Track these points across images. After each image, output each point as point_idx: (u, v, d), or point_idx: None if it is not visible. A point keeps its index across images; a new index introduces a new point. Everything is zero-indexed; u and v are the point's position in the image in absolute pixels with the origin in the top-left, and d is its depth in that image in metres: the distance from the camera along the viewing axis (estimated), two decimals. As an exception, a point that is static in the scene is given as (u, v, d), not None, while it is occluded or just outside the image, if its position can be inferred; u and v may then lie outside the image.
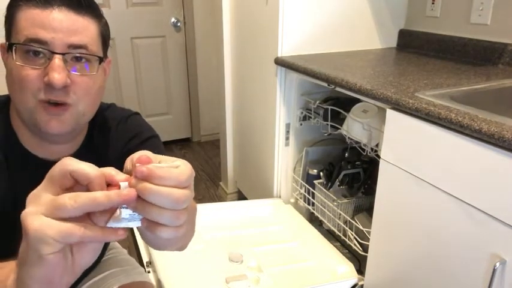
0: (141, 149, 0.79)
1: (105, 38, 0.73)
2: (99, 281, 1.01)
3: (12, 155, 0.72)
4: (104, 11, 2.77)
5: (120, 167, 0.63)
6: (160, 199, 0.39)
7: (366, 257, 1.32)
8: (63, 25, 0.64)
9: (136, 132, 0.84)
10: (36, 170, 0.69)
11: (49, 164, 0.68)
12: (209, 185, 2.59)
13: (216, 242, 1.47)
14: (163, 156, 0.45)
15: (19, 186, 0.71)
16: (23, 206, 0.53)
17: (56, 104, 0.66)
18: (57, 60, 0.64)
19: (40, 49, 0.64)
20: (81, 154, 0.77)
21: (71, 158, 0.43)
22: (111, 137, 0.83)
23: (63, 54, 0.64)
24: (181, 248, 0.64)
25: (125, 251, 1.14)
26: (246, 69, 1.93)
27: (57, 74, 0.63)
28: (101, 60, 0.70)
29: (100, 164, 0.73)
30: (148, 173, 0.39)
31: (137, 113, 0.89)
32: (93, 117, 0.79)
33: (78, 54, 0.66)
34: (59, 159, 0.70)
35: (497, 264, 0.86)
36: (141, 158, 0.43)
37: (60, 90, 0.65)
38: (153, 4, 2.83)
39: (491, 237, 0.88)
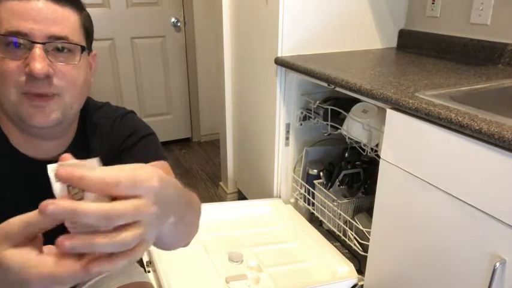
0: (137, 148, 0.79)
1: (87, 30, 0.71)
2: (99, 282, 1.00)
3: (1, 154, 0.70)
4: (104, 11, 2.77)
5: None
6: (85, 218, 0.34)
7: (366, 257, 1.32)
8: (43, 15, 0.63)
9: (133, 130, 0.82)
10: (25, 169, 0.72)
11: (39, 164, 0.69)
12: (209, 185, 2.58)
13: (216, 242, 1.47)
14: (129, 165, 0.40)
15: (7, 186, 0.70)
16: (11, 207, 0.52)
17: (41, 95, 0.64)
18: (38, 49, 0.62)
19: (21, 40, 0.62)
20: (71, 152, 0.73)
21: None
22: (105, 135, 0.80)
23: (43, 43, 0.63)
24: (186, 245, 0.65)
25: None
26: (246, 69, 1.93)
27: (38, 64, 0.61)
28: (83, 49, 0.68)
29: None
30: (67, 176, 0.35)
31: (132, 112, 0.87)
32: (85, 115, 0.78)
33: (59, 44, 0.64)
34: (48, 159, 0.69)
35: (497, 264, 0.86)
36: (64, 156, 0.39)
37: (43, 81, 0.63)
38: (153, 4, 2.83)
39: (491, 237, 0.88)
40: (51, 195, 0.68)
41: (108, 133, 0.81)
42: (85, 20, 0.70)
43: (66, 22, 0.65)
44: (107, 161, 0.65)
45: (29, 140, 0.71)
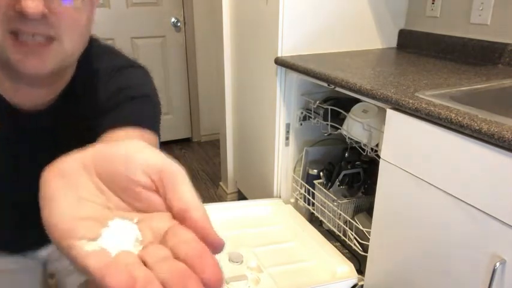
0: (130, 106, 0.65)
1: None
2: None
3: None
4: (104, 11, 2.77)
5: (99, 124, 0.61)
6: None
7: (366, 257, 1.32)
8: None
9: (130, 85, 0.68)
10: (5, 117, 0.62)
11: (22, 113, 0.62)
12: (209, 185, 2.58)
13: (216, 242, 1.47)
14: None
15: None
16: None
17: (35, 40, 0.53)
18: None
19: None
20: (58, 104, 0.65)
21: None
22: (98, 86, 0.67)
23: None
24: None
25: None
26: (246, 69, 1.93)
27: (31, 1, 0.50)
28: None
29: (78, 120, 0.66)
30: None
31: (141, 67, 0.73)
32: (83, 60, 0.66)
33: None
34: (31, 107, 0.62)
35: (497, 264, 0.86)
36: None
37: (38, 22, 0.52)
38: (153, 4, 2.84)
39: (491, 237, 0.88)
40: (31, 146, 0.64)
41: (101, 84, 0.68)
42: None
43: None
44: (92, 119, 0.61)
45: (12, 86, 0.61)
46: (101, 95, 0.67)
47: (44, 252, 0.91)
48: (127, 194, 0.31)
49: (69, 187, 0.29)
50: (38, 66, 0.55)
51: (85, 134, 0.56)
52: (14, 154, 0.66)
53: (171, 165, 0.32)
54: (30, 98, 0.62)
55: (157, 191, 0.31)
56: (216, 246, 0.29)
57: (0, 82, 0.60)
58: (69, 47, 0.57)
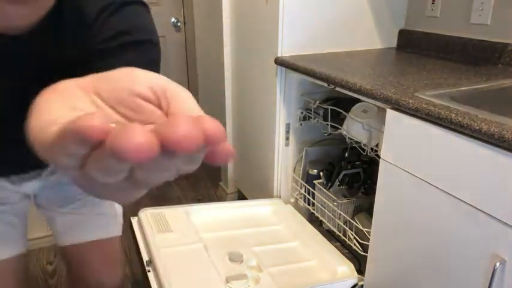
0: (133, 52, 0.57)
1: None
2: (73, 223, 0.97)
3: None
4: (104, 10, 2.69)
5: (95, 66, 0.52)
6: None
7: (366, 257, 1.32)
8: None
9: (124, 29, 0.58)
10: None
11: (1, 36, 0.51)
12: (209, 185, 2.58)
13: (216, 242, 1.47)
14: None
15: None
16: None
17: None
18: None
19: None
20: (43, 27, 0.55)
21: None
22: (89, 19, 0.57)
23: None
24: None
25: None
26: (246, 69, 1.93)
27: None
28: None
29: (60, 50, 0.57)
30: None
31: (143, 3, 0.62)
32: None
33: None
34: (10, 29, 0.51)
35: (497, 264, 0.86)
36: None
37: None
38: (153, 4, 2.84)
39: (491, 237, 0.88)
40: (10, 71, 0.57)
41: (93, 18, 0.58)
42: None
43: None
44: (75, 52, 0.54)
45: None
46: (96, 31, 0.58)
47: (27, 187, 0.89)
48: (125, 106, 0.27)
49: (62, 98, 0.27)
50: (18, 18, 0.48)
51: (70, 69, 0.45)
52: None
53: (177, 85, 0.29)
54: (7, 16, 0.50)
55: (159, 107, 0.28)
56: (227, 151, 0.25)
57: None
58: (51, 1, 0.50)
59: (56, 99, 0.27)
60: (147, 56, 0.60)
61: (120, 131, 0.20)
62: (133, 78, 0.28)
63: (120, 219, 1.05)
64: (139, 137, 0.20)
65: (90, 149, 0.22)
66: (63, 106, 0.26)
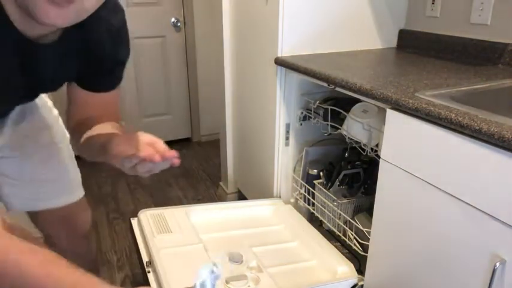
0: (119, 72, 0.91)
1: None
2: (31, 186, 1.09)
3: (2, 33, 0.66)
4: (104, 11, 2.66)
5: (98, 80, 0.90)
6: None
7: (366, 257, 1.32)
8: None
9: (122, 52, 0.88)
10: (20, 46, 0.69)
11: (33, 43, 0.70)
12: (209, 185, 2.58)
13: (215, 243, 1.47)
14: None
15: (2, 64, 0.69)
16: (2, 81, 0.66)
17: None
18: None
19: None
20: (65, 37, 0.75)
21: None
22: (99, 35, 0.81)
23: None
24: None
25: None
26: (246, 69, 1.93)
27: None
28: None
29: (83, 55, 0.83)
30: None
31: (123, 13, 0.85)
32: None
33: None
34: (40, 37, 0.71)
35: (497, 264, 0.86)
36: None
37: None
38: (153, 4, 2.84)
39: (491, 237, 0.88)
40: (40, 73, 0.78)
41: (102, 35, 0.81)
42: None
43: None
44: (91, 59, 0.83)
45: (26, 19, 0.66)
46: (105, 45, 0.83)
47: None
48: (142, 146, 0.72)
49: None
50: (58, 20, 0.62)
51: (81, 75, 0.86)
52: (24, 78, 0.76)
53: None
54: (38, 29, 0.68)
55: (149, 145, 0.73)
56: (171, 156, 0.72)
57: (13, 13, 0.64)
58: (88, 5, 0.64)
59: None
60: (121, 74, 0.93)
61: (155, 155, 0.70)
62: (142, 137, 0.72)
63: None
64: (158, 158, 0.70)
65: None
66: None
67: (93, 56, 0.82)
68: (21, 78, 0.74)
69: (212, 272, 0.67)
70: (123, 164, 0.70)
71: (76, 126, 0.91)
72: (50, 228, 1.19)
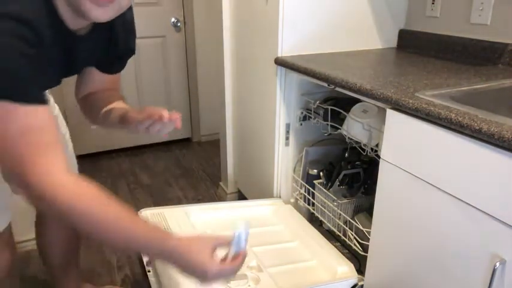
0: (127, 59, 1.12)
1: None
2: None
3: (50, 24, 0.78)
4: (104, 11, 2.66)
5: (114, 64, 1.11)
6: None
7: (366, 257, 1.32)
8: None
9: (133, 41, 1.08)
10: (64, 37, 0.84)
11: (74, 35, 0.87)
12: (209, 185, 2.58)
13: (216, 242, 1.47)
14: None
15: (49, 49, 0.79)
16: (50, 65, 0.80)
17: None
18: None
19: None
20: (94, 30, 0.92)
21: None
22: (118, 28, 0.99)
23: None
24: None
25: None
26: (246, 69, 1.93)
27: None
28: None
29: (105, 44, 1.00)
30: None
31: (132, 11, 1.02)
32: None
33: None
34: (79, 30, 0.88)
35: (497, 264, 0.86)
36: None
37: None
38: (153, 4, 2.84)
39: (491, 237, 0.88)
40: (75, 57, 0.94)
41: (119, 28, 0.99)
42: None
43: None
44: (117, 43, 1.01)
45: (73, 16, 0.81)
46: (117, 38, 1.01)
47: None
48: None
49: None
50: (101, 16, 0.78)
51: (105, 61, 1.06)
52: (64, 63, 0.92)
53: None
54: (79, 23, 0.85)
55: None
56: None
57: (65, 12, 0.80)
58: (124, 4, 0.80)
59: None
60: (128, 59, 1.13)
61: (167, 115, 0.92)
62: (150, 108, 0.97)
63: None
64: (166, 115, 0.93)
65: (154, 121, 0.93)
66: None
67: (112, 45, 1.00)
68: (63, 61, 0.90)
69: (245, 227, 0.83)
70: (137, 127, 0.93)
71: (88, 96, 1.11)
72: None
